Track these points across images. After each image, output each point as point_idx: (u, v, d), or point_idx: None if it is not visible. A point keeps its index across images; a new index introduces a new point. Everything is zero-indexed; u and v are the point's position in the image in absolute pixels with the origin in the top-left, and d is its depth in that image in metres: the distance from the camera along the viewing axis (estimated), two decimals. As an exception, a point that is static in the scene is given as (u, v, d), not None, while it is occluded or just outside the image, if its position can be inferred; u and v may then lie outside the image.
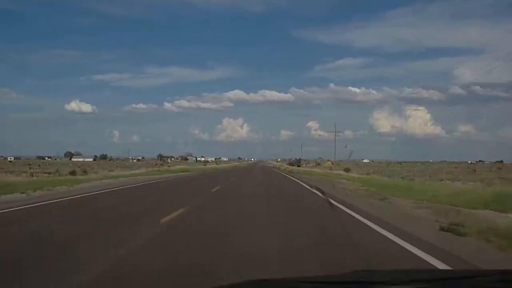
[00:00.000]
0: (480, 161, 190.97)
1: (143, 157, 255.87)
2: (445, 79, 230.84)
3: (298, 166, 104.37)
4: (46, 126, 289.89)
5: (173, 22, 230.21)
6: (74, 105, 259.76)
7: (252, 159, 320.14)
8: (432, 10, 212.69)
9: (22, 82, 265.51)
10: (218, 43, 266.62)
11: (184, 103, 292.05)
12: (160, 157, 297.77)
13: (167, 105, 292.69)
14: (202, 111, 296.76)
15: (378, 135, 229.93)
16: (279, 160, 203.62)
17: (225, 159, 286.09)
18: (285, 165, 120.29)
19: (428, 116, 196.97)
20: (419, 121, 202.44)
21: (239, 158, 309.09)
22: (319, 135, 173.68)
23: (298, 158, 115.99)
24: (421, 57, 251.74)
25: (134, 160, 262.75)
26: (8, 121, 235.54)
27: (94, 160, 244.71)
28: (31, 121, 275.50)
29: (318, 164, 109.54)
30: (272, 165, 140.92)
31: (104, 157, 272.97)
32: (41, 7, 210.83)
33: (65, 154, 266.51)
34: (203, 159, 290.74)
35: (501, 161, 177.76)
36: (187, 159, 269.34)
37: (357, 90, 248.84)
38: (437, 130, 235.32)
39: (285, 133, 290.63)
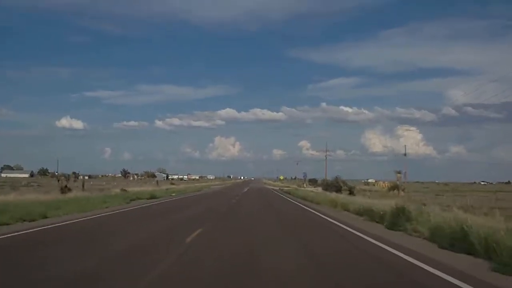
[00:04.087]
0: (482, 181, 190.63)
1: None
2: (438, 99, 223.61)
3: (350, 193, 41.44)
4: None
5: (167, 40, 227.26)
6: (65, 122, 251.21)
7: (242, 177, 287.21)
8: (426, 31, 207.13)
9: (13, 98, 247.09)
10: (210, 61, 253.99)
11: (175, 121, 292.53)
12: (124, 173, 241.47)
13: (158, 122, 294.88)
14: (194, 129, 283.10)
15: (370, 155, 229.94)
16: (282, 178, 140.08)
17: (211, 177, 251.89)
18: (305, 188, 57.46)
19: (419, 136, 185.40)
20: (411, 141, 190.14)
21: (228, 177, 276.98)
22: (312, 154, 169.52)
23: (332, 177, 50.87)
24: (414, 78, 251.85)
25: (86, 177, 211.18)
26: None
27: (31, 176, 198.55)
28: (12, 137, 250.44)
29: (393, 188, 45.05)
30: (276, 188, 76.95)
31: (44, 172, 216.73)
32: (34, 24, 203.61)
33: (2, 168, 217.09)
34: (178, 176, 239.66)
35: (509, 182, 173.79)
36: (154, 176, 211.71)
37: (349, 109, 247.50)
38: (429, 150, 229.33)
39: (277, 152, 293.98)
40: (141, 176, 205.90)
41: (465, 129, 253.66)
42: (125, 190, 31.73)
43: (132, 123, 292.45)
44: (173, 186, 63.62)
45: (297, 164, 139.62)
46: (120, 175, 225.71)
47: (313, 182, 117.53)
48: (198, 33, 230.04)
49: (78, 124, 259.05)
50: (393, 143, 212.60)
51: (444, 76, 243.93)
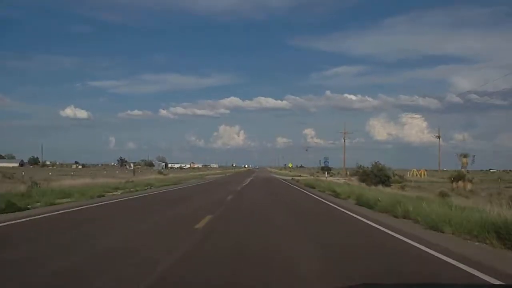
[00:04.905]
0: (491, 169, 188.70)
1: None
2: (442, 87, 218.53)
3: (402, 185, 27.26)
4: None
5: (170, 29, 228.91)
6: (69, 111, 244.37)
7: (245, 166, 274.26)
8: (430, 18, 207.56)
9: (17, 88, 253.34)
10: (214, 50, 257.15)
11: (179, 109, 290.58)
12: (121, 161, 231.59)
13: (162, 112, 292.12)
14: (198, 118, 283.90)
15: (375, 143, 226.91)
16: (290, 165, 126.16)
17: (215, 166, 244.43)
18: (326, 178, 43.63)
19: (424, 124, 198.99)
20: (416, 129, 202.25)
21: (233, 165, 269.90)
22: (316, 142, 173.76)
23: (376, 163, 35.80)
24: (418, 65, 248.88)
25: (79, 166, 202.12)
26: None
27: (21, 165, 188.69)
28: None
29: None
30: (287, 178, 62.96)
31: (35, 161, 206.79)
32: (38, 14, 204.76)
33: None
34: (181, 165, 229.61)
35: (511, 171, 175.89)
36: (152, 165, 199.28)
37: (353, 97, 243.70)
38: (433, 138, 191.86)
39: (281, 140, 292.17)
40: (138, 165, 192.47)
41: (469, 116, 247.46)
42: (35, 185, 18.02)
43: (136, 112, 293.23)
44: (157, 176, 50.01)
45: (307, 150, 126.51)
46: (117, 164, 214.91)
47: (326, 170, 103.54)
48: (202, 22, 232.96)
49: (82, 113, 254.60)
50: (398, 130, 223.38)
51: (448, 63, 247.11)
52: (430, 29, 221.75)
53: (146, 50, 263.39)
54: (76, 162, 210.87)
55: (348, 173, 71.09)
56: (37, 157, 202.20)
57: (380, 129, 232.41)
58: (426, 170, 62.33)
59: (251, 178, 58.64)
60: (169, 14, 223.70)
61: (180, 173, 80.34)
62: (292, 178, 55.90)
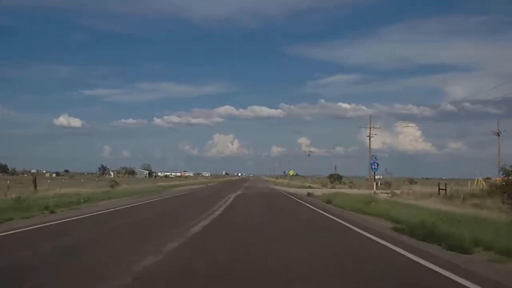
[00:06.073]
0: (488, 178, 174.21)
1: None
2: (437, 95, 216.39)
3: None
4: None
5: (166, 38, 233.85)
6: (63, 120, 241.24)
7: (238, 174, 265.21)
8: (425, 27, 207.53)
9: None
10: (210, 58, 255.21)
11: (174, 118, 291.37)
12: (103, 169, 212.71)
13: (157, 120, 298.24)
14: (192, 126, 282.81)
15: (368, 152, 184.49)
16: (292, 173, 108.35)
17: (207, 174, 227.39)
18: (378, 194, 26.21)
19: (418, 132, 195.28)
20: (410, 137, 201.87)
21: (227, 174, 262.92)
22: (310, 151, 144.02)
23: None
24: (413, 74, 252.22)
25: (53, 175, 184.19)
26: None
27: None
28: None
29: None
30: (299, 192, 45.16)
31: (3, 169, 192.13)
32: (33, 22, 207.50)
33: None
34: (171, 174, 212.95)
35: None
36: (133, 173, 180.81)
37: (347, 106, 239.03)
38: (428, 146, 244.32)
39: (276, 149, 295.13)
40: (118, 173, 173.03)
41: (464, 125, 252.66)
42: None
43: (130, 120, 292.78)
44: (93, 191, 31.95)
45: (309, 155, 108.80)
46: (99, 172, 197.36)
47: (336, 178, 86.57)
48: (198, 31, 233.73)
49: (76, 122, 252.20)
50: (392, 139, 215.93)
51: (443, 72, 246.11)
52: (426, 37, 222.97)
53: (142, 59, 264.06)
54: (66, 171, 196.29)
55: (379, 183, 53.66)
56: (5, 164, 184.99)
57: (374, 138, 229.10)
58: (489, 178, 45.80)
59: (238, 193, 37.62)
60: (165, 22, 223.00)
61: (155, 183, 62.29)
62: (308, 193, 36.84)
